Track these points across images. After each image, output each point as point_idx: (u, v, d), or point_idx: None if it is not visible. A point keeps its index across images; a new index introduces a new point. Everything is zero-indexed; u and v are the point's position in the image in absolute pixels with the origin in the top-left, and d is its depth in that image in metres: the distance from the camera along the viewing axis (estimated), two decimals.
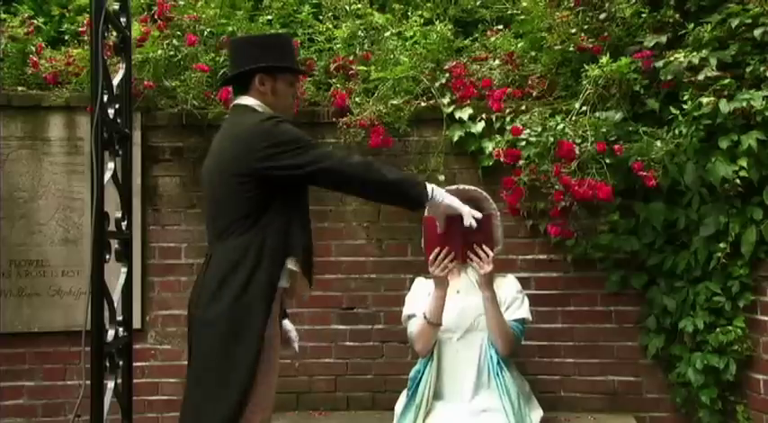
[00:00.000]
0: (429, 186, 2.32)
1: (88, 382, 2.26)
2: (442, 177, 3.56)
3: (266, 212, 2.19)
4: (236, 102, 2.39)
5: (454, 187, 2.88)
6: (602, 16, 3.48)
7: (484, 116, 3.58)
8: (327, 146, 3.57)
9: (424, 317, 2.81)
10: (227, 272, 2.15)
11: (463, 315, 2.89)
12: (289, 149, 2.18)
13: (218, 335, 2.12)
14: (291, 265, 2.20)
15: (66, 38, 4.20)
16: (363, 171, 2.24)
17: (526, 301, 2.98)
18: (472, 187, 3.01)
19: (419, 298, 2.96)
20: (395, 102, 3.62)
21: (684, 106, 3.11)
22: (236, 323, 2.10)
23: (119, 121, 2.58)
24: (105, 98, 2.39)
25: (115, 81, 2.60)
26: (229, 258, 2.17)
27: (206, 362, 2.15)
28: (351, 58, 3.90)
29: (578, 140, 3.24)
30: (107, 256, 2.39)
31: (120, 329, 2.57)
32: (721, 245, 3.16)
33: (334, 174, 2.22)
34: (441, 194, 2.35)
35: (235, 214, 2.20)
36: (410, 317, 2.95)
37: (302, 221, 2.28)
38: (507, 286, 2.98)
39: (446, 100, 3.65)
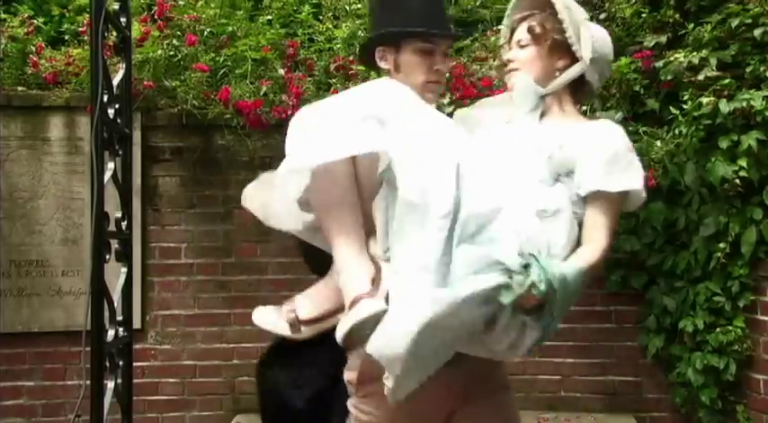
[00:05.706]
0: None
1: (88, 382, 2.25)
2: None
3: None
4: None
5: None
6: (603, 16, 3.49)
7: None
8: None
9: None
10: None
11: None
12: None
13: None
14: None
15: (67, 38, 4.20)
16: None
17: None
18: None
19: None
20: None
21: (684, 106, 3.11)
22: None
23: (119, 121, 2.57)
24: (105, 98, 2.38)
25: (115, 81, 2.59)
26: None
27: None
28: (351, 58, 3.89)
29: None
30: (107, 256, 2.38)
31: (120, 329, 2.56)
32: (721, 245, 3.16)
33: None
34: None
35: None
36: None
37: None
38: None
39: (446, 100, 3.64)
